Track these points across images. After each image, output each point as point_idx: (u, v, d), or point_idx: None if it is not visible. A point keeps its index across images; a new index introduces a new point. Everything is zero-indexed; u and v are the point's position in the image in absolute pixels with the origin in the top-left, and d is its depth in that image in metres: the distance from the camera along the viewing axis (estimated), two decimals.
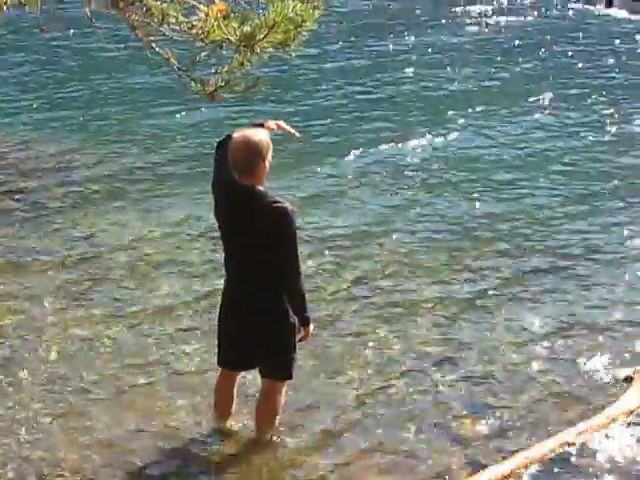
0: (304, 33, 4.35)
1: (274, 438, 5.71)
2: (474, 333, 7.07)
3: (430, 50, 15.47)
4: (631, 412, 5.96)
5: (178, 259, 8.22)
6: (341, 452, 5.70)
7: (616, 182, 10.11)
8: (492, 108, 12.62)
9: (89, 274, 7.89)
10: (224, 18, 4.30)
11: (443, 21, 17.58)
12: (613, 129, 11.84)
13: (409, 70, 14.27)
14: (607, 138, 11.61)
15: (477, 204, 9.47)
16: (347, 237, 8.71)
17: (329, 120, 12.11)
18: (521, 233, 8.86)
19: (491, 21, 18.06)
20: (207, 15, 4.25)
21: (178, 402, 6.13)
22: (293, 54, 4.34)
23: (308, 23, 4.39)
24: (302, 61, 14.11)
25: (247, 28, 4.28)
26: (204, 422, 5.89)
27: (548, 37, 16.69)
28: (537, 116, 12.33)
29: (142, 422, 5.93)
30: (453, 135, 11.50)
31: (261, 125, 5.56)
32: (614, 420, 5.86)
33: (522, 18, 18.34)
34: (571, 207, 9.50)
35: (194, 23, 4.27)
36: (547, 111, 12.54)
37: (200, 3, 4.32)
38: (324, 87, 13.61)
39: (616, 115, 12.32)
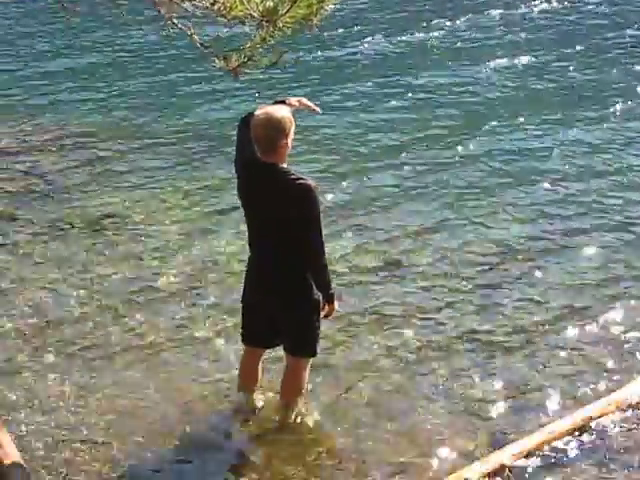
0: (327, 7, 4.33)
1: (299, 414, 5.73)
2: (496, 306, 7.09)
3: (481, 34, 14.78)
4: None
5: (203, 236, 8.24)
6: (364, 428, 5.72)
7: None
8: (552, 106, 11.77)
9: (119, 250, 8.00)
10: None
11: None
12: None
13: (458, 58, 13.68)
14: None
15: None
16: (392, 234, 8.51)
17: (372, 116, 11.65)
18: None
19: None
20: None
21: (203, 377, 6.19)
22: (316, 29, 4.32)
23: None
24: (339, 43, 13.99)
25: (269, 3, 4.26)
26: (229, 399, 5.92)
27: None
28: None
29: (166, 395, 6.00)
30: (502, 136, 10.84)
31: (283, 102, 5.54)
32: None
33: None
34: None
35: None
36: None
37: None
38: (365, 75, 13.24)
39: None
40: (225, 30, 4.34)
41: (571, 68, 12.92)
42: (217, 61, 4.34)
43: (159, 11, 4.29)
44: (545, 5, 15.97)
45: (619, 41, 14.20)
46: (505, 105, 11.72)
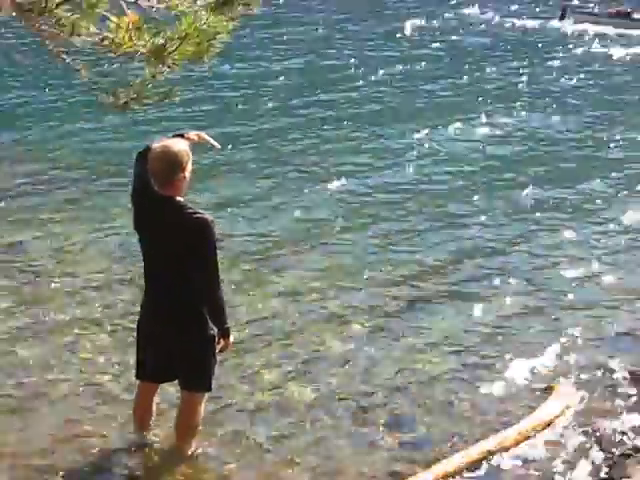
0: (218, 45, 4.34)
1: (194, 449, 5.68)
2: (389, 347, 7.14)
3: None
4: (548, 424, 6.00)
5: (98, 273, 8.25)
6: (262, 461, 5.70)
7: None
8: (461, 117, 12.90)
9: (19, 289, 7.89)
10: (136, 29, 4.27)
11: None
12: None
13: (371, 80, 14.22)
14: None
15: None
16: (277, 245, 8.78)
17: (291, 136, 12.12)
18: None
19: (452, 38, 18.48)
20: (119, 26, 4.22)
21: (98, 414, 6.10)
22: (206, 66, 4.34)
23: (223, 35, 4.37)
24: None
25: (159, 40, 4.26)
26: (124, 435, 5.85)
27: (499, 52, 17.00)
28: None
29: (60, 434, 5.88)
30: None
31: (181, 136, 5.53)
32: (529, 433, 5.90)
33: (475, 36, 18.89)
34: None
35: (105, 34, 4.24)
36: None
37: (112, 14, 4.29)
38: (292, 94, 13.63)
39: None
40: (115, 66, 4.29)
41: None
42: (105, 97, 4.33)
43: (46, 45, 4.26)
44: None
45: None
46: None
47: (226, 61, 14.94)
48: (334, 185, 10.59)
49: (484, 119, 13.49)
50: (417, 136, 12.52)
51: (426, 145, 12.26)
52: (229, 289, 7.18)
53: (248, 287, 7.95)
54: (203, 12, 4.34)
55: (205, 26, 4.29)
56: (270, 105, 14.06)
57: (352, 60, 16.76)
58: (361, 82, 15.46)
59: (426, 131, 12.72)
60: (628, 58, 19.48)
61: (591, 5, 24.99)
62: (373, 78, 15.58)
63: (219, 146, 5.78)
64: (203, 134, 5.68)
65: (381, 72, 15.90)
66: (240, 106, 13.79)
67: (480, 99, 14.53)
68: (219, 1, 4.42)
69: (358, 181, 10.82)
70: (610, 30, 22.15)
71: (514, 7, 24.83)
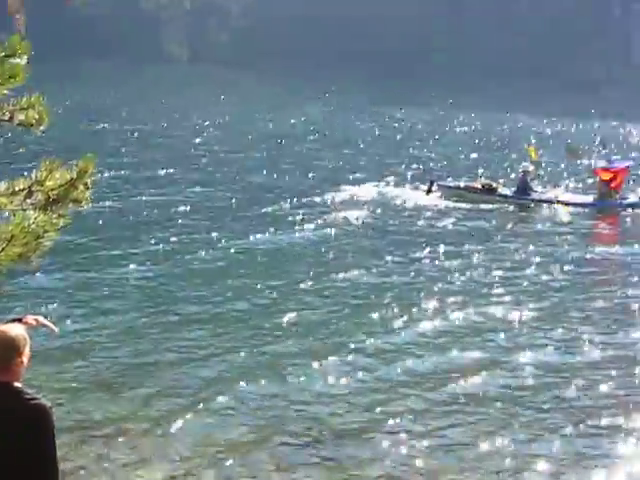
0: (46, 244, 4.40)
1: None
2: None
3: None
4: None
5: None
6: None
7: None
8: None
9: None
10: None
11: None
12: None
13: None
14: None
15: None
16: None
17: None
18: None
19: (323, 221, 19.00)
20: None
21: None
22: (35, 266, 4.37)
23: (52, 233, 4.43)
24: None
25: None
26: None
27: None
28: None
29: None
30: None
31: (19, 320, 5.49)
32: None
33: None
34: None
35: None
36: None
37: None
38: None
39: None
40: None
41: None
42: None
43: None
44: None
45: None
46: None
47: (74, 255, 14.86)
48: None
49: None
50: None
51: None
52: None
53: None
54: (32, 211, 4.39)
55: (34, 225, 4.34)
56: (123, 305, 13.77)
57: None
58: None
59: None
60: (490, 232, 19.93)
61: (450, 180, 25.53)
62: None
63: (57, 330, 5.75)
64: (41, 318, 5.63)
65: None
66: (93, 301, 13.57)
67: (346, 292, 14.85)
68: (49, 199, 4.50)
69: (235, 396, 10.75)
70: (474, 204, 22.59)
71: (382, 181, 25.37)
